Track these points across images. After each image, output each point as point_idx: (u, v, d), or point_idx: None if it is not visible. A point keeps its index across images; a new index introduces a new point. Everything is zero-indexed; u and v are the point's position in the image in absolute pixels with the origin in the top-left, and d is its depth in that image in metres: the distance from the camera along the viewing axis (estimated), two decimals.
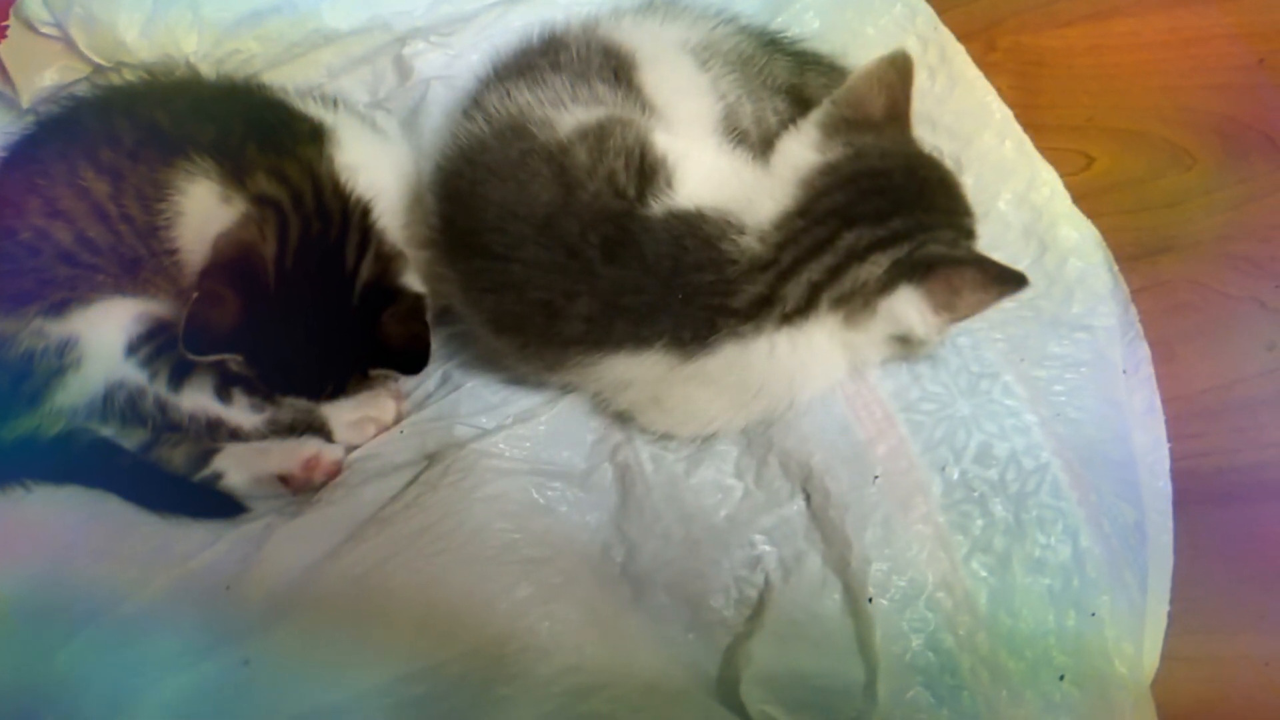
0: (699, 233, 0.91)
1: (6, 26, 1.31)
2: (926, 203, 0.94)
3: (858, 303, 0.91)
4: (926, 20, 1.24)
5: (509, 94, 1.00)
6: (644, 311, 0.92)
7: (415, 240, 1.08)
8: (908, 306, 0.90)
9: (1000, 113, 1.18)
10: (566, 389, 1.05)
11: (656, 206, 0.92)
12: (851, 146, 0.95)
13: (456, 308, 1.05)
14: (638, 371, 0.94)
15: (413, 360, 1.05)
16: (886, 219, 0.91)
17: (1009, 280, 0.89)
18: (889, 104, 0.96)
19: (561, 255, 0.92)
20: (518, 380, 1.10)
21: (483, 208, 0.95)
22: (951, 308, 0.90)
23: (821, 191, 0.93)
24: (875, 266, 0.90)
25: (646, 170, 0.94)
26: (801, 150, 0.96)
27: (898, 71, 0.96)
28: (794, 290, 0.91)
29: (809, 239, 0.91)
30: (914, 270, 0.90)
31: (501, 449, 1.05)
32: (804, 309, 0.91)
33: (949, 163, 1.04)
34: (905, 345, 0.95)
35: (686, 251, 0.91)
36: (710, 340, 0.91)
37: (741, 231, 0.92)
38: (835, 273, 0.91)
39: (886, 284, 0.90)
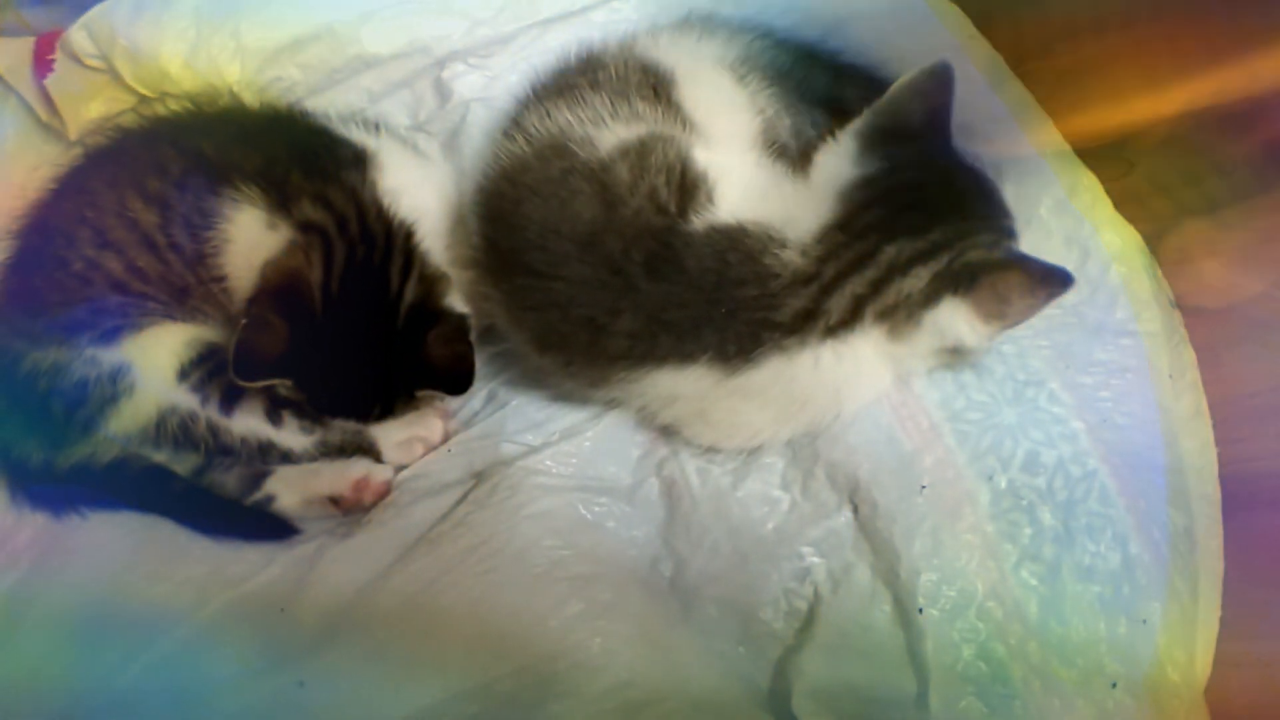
0: (741, 247, 0.92)
1: (53, 60, 1.34)
2: (964, 211, 0.93)
3: (901, 315, 0.91)
4: (966, 30, 1.24)
5: (549, 113, 1.01)
6: (688, 326, 0.92)
7: (458, 261, 1.09)
8: (954, 317, 0.90)
9: (1040, 120, 1.17)
10: (611, 405, 1.05)
11: (698, 222, 0.93)
12: (889, 159, 0.95)
13: (500, 327, 1.06)
14: (683, 386, 0.95)
15: (458, 381, 1.06)
16: (925, 231, 0.91)
17: (1055, 280, 0.89)
18: (928, 114, 0.96)
19: (605, 272, 0.93)
20: (562, 397, 1.10)
21: (525, 227, 0.96)
22: (1002, 315, 0.90)
23: (861, 205, 0.93)
24: (917, 280, 0.90)
25: (688, 186, 0.94)
26: (840, 163, 0.96)
27: (938, 82, 0.96)
28: (837, 304, 0.91)
29: (850, 253, 0.91)
30: (958, 280, 0.90)
31: (548, 466, 1.06)
32: (848, 322, 0.91)
33: (989, 170, 1.04)
34: (953, 355, 0.95)
35: (729, 266, 0.91)
36: (755, 354, 0.91)
37: (783, 245, 0.92)
38: (878, 286, 0.91)
39: (930, 296, 0.90)
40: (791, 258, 0.92)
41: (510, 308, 1.00)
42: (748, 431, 0.98)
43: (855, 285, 0.91)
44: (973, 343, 0.92)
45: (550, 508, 1.03)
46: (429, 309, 1.06)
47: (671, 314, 0.92)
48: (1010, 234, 0.95)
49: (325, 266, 1.04)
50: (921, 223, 0.92)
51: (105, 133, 1.22)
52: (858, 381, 0.94)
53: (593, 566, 1.00)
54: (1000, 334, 0.93)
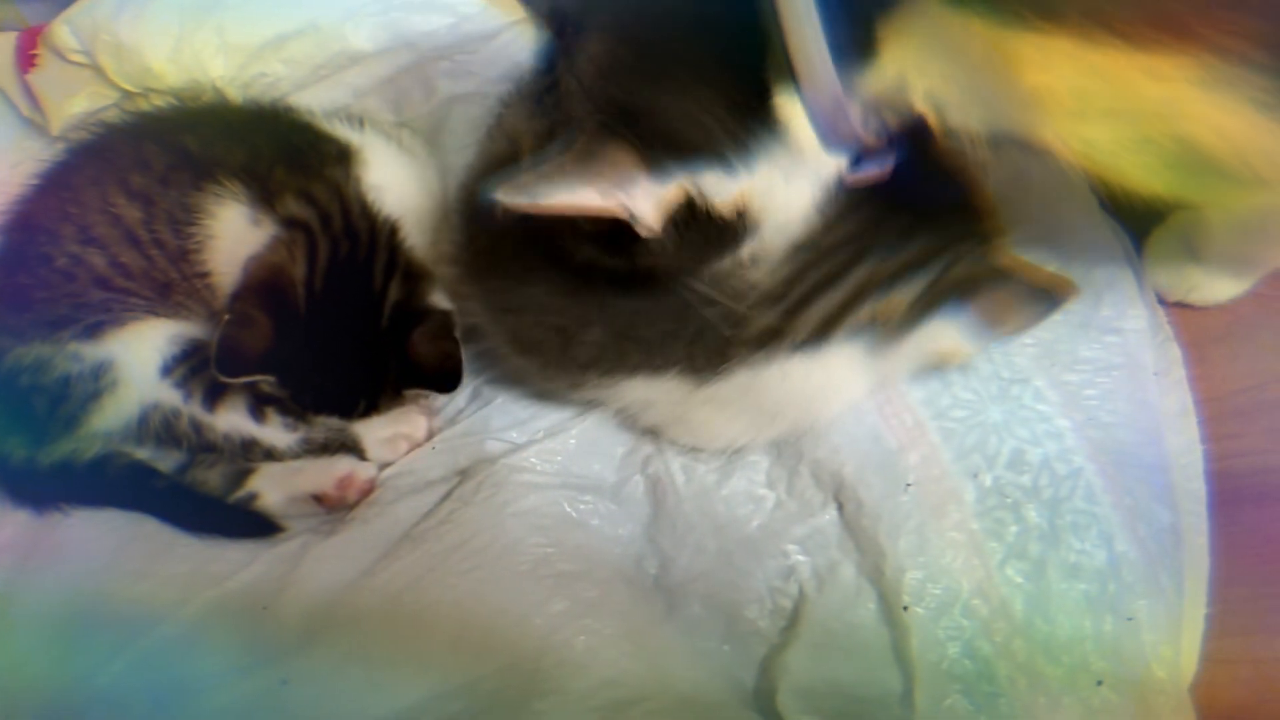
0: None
1: (36, 55, 1.33)
2: (939, 221, 0.90)
3: (885, 331, 0.89)
4: None
5: (532, 114, 1.00)
6: (656, 340, 0.91)
7: (442, 258, 1.09)
8: (949, 331, 0.89)
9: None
10: (592, 405, 1.05)
11: None
12: None
13: (482, 325, 1.06)
14: (656, 394, 0.95)
15: (447, 379, 1.06)
16: (901, 246, 0.88)
17: (1054, 293, 0.87)
18: None
19: (575, 282, 0.92)
20: (544, 396, 1.10)
21: (502, 229, 0.95)
22: (997, 329, 0.89)
23: (829, 221, 0.88)
24: (900, 298, 0.88)
25: None
26: None
27: None
28: (804, 323, 0.89)
29: (818, 273, 0.88)
30: (951, 294, 0.88)
31: (533, 463, 1.05)
32: (816, 339, 0.89)
33: None
34: (938, 363, 0.94)
35: (697, 283, 0.89)
36: (722, 369, 0.90)
37: (750, 264, 0.89)
38: (848, 306, 0.88)
39: (919, 314, 0.88)
40: (758, 277, 0.89)
41: (488, 308, 1.00)
42: (724, 439, 0.98)
43: (823, 306, 0.88)
44: (965, 355, 0.91)
45: (535, 505, 1.03)
46: (413, 307, 1.06)
47: (640, 330, 0.91)
48: (995, 232, 0.92)
49: (309, 262, 1.04)
50: (895, 237, 0.88)
51: (88, 128, 1.22)
52: (829, 393, 0.93)
53: (577, 564, 1.00)
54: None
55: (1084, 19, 0.59)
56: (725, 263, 0.88)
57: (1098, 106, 0.63)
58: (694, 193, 0.76)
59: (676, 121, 0.74)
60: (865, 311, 0.89)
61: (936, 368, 0.96)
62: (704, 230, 0.78)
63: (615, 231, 0.78)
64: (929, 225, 0.89)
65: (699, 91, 0.74)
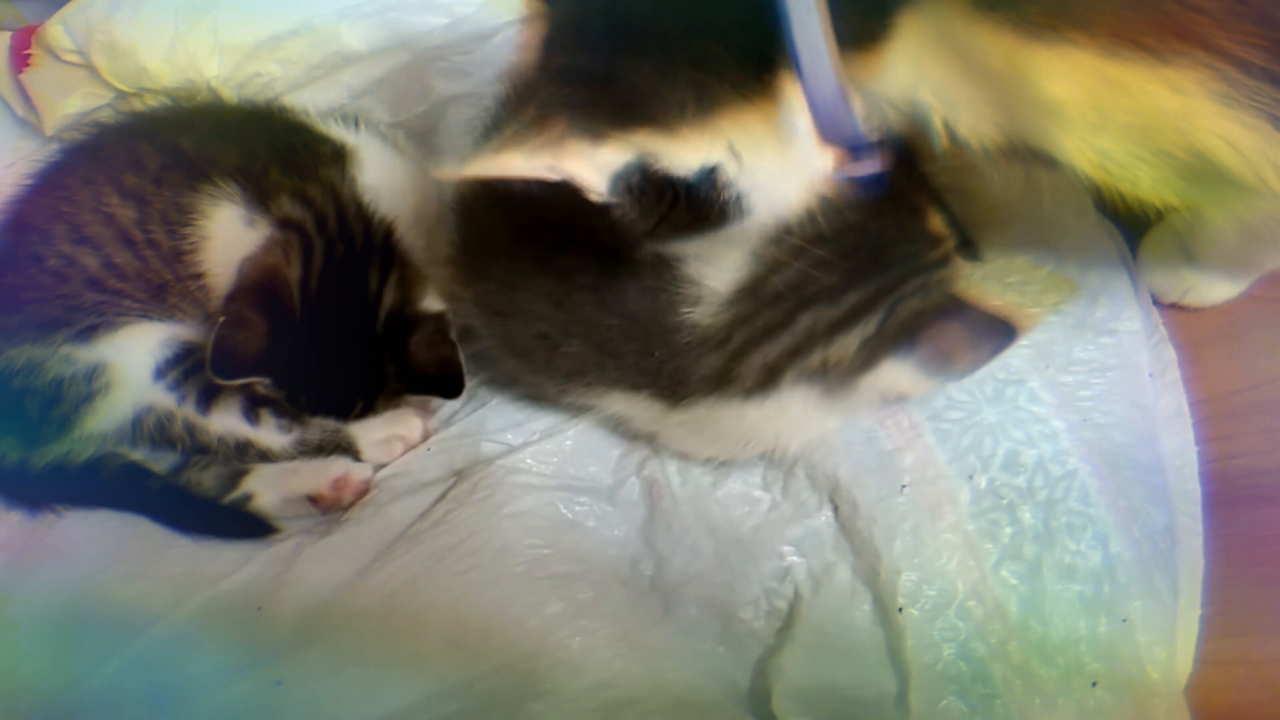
0: (666, 296, 0.89)
1: (30, 55, 1.33)
2: (884, 259, 0.87)
3: (834, 379, 0.88)
4: None
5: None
6: (633, 359, 0.91)
7: (438, 259, 1.09)
8: (896, 378, 0.87)
9: None
10: (582, 410, 1.05)
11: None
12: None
13: (476, 327, 1.06)
14: (634, 410, 0.95)
15: (449, 383, 1.05)
16: (843, 293, 0.86)
17: (999, 332, 0.86)
18: None
19: (560, 291, 0.92)
20: (536, 400, 1.10)
21: (496, 233, 0.95)
22: (946, 371, 0.87)
23: (771, 267, 0.87)
24: (844, 348, 0.87)
25: None
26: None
27: None
28: (749, 370, 0.88)
29: (761, 320, 0.87)
30: (896, 339, 0.86)
31: (529, 465, 1.05)
32: (764, 386, 0.88)
33: None
34: (901, 399, 0.93)
35: (660, 312, 0.89)
36: (684, 400, 0.91)
37: (695, 303, 0.88)
38: (794, 354, 0.87)
39: (865, 361, 0.87)
40: (700, 318, 0.88)
41: (481, 310, 1.00)
42: (704, 455, 0.99)
43: (766, 354, 0.88)
44: (918, 396, 0.91)
45: (531, 506, 1.02)
46: (408, 312, 1.06)
47: (617, 345, 0.91)
48: (948, 260, 0.90)
49: (304, 264, 1.04)
50: (838, 284, 0.86)
51: (82, 128, 1.21)
52: (793, 428, 0.93)
53: (573, 565, 1.00)
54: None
55: (1109, 32, 0.60)
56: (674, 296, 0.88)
57: (1116, 118, 0.63)
58: (642, 157, 0.72)
59: (624, 88, 0.71)
60: (816, 358, 0.87)
61: (902, 402, 0.95)
62: (664, 196, 0.75)
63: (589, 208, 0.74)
64: (875, 266, 0.87)
65: (669, 61, 0.71)
